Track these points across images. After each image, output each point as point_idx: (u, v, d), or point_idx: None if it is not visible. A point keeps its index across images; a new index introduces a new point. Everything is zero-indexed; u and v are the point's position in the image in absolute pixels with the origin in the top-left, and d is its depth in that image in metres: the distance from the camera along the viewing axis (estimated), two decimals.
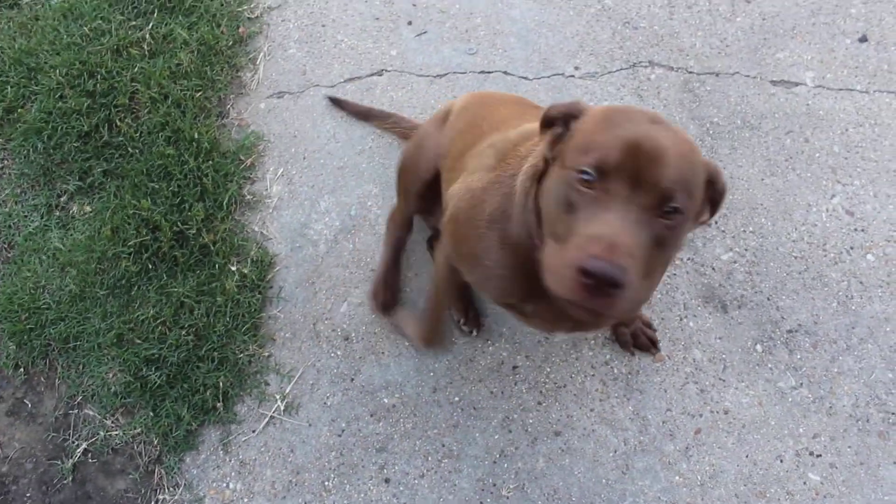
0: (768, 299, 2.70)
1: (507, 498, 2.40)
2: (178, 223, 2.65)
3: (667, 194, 1.42)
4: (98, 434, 2.46)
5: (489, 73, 3.04)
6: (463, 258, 1.98)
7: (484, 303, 2.66)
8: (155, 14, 3.00)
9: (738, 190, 2.86)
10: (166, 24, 2.96)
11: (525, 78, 3.03)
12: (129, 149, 2.75)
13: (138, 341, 2.52)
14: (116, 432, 2.46)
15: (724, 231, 2.78)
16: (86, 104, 2.78)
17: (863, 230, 2.82)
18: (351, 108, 2.90)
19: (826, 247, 2.79)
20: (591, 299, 1.38)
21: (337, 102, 2.90)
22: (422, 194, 2.47)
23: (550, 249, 1.50)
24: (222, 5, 3.06)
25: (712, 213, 1.61)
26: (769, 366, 2.61)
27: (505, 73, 3.04)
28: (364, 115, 2.88)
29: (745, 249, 2.76)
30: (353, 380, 2.54)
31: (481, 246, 1.87)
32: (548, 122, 1.64)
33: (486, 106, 2.34)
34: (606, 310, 1.39)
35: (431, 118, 2.56)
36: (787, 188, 2.88)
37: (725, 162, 2.91)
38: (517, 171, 1.81)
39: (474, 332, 2.58)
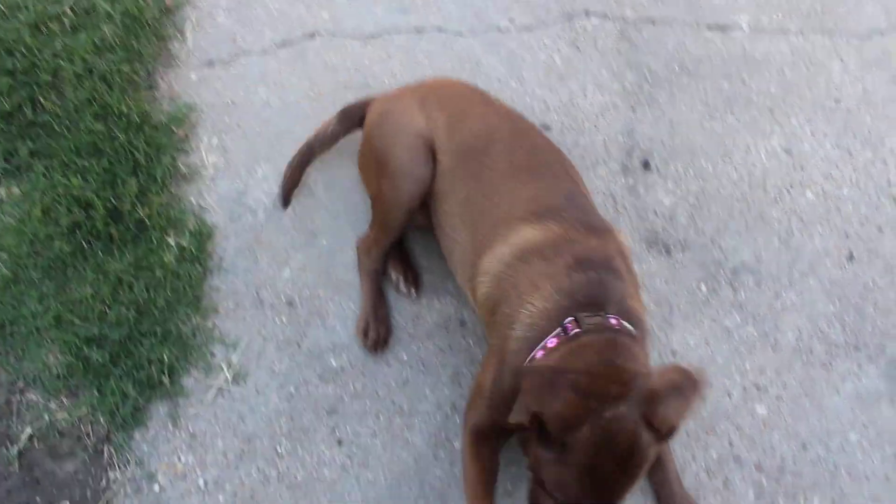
0: (711, 241, 2.72)
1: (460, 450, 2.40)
2: (112, 199, 2.59)
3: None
4: (43, 418, 2.41)
5: (423, 30, 3.01)
6: (486, 388, 2.12)
7: (424, 263, 2.64)
8: None
9: (679, 135, 2.87)
10: None
11: (459, 34, 3.01)
12: (56, 127, 2.68)
13: (77, 321, 2.47)
14: (62, 415, 2.41)
15: (665, 176, 2.79)
16: (6, 83, 2.70)
17: (801, 168, 2.85)
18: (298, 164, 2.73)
19: (766, 186, 2.82)
20: None
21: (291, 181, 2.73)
22: (406, 222, 2.47)
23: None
24: None
25: None
26: (714, 305, 2.63)
27: (439, 29, 3.02)
28: (308, 154, 2.72)
29: (687, 193, 2.78)
30: (299, 345, 2.52)
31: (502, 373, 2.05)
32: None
33: (483, 154, 2.30)
34: None
35: (395, 98, 2.51)
36: (727, 131, 2.90)
37: (665, 109, 2.91)
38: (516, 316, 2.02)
39: (413, 293, 2.56)
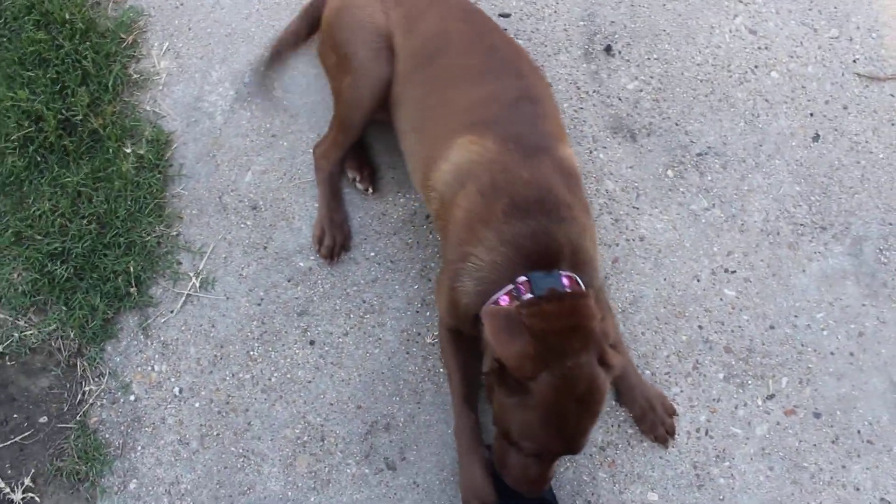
0: (676, 124, 2.69)
1: (432, 345, 2.42)
2: (63, 111, 2.52)
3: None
4: (12, 336, 2.40)
5: None
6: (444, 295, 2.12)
7: (387, 159, 2.60)
8: None
9: (640, 18, 2.80)
10: None
11: None
12: None
13: (38, 237, 2.43)
14: (31, 332, 2.40)
15: (628, 60, 2.74)
16: None
17: (766, 48, 2.81)
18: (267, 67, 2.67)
19: (731, 67, 2.78)
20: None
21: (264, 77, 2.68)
22: (366, 122, 2.43)
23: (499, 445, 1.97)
24: None
25: None
26: (681, 190, 2.63)
27: None
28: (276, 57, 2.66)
29: (651, 77, 2.73)
30: (266, 248, 2.50)
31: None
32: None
33: (437, 55, 2.25)
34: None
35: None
36: (690, 12, 2.83)
37: None
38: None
39: (370, 191, 2.53)
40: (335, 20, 2.41)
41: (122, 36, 2.67)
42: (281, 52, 2.60)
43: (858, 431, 2.43)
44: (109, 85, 2.58)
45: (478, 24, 2.36)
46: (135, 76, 2.64)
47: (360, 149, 2.55)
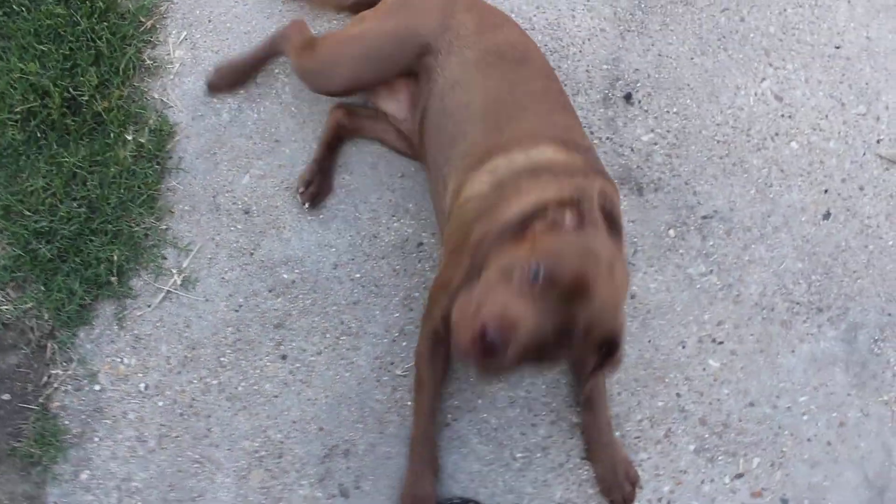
0: (686, 183, 2.63)
1: (403, 377, 2.39)
2: (70, 89, 2.50)
3: (575, 328, 1.64)
4: None
5: None
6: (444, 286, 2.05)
7: (387, 181, 2.56)
8: None
9: (666, 69, 2.74)
10: None
11: None
12: (14, 6, 2.55)
13: (27, 213, 2.42)
14: (6, 307, 2.39)
15: (647, 111, 2.68)
16: None
17: (790, 116, 2.74)
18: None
19: (750, 132, 2.71)
20: (473, 352, 1.62)
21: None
22: (359, 82, 2.42)
23: (465, 297, 1.71)
24: None
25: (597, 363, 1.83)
26: (680, 251, 2.57)
27: None
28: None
29: (667, 131, 2.67)
30: (252, 254, 2.48)
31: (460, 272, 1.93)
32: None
33: (513, 78, 2.22)
34: (481, 366, 1.67)
35: None
36: (717, 69, 2.77)
37: (655, 38, 2.77)
38: (511, 208, 1.89)
39: (306, 205, 2.48)
40: (395, 3, 2.40)
41: (142, 19, 2.64)
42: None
43: None
44: (121, 68, 2.56)
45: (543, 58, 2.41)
46: (148, 62, 2.62)
47: (326, 167, 2.51)
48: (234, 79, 2.59)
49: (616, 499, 2.31)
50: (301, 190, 2.48)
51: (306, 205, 2.48)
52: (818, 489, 2.41)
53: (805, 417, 2.46)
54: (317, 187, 2.48)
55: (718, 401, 2.45)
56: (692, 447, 2.41)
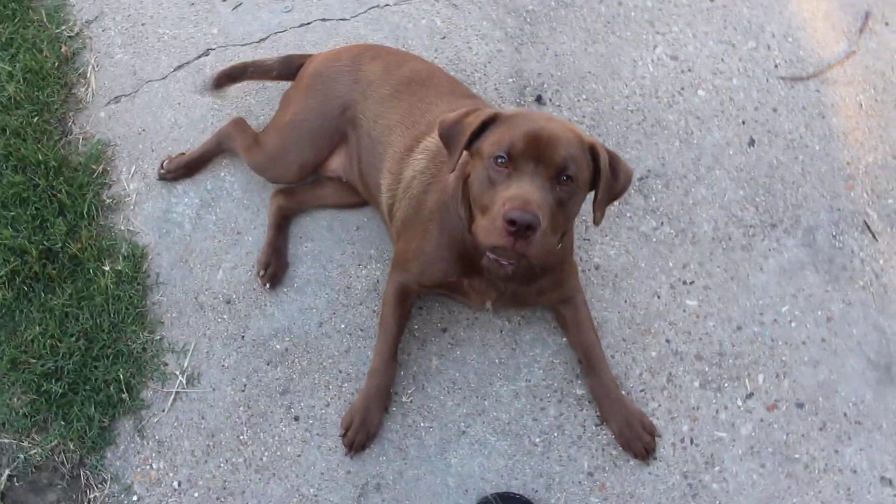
0: None
1: (410, 402, 2.50)
2: (44, 242, 2.72)
3: (561, 167, 1.97)
4: (18, 458, 2.53)
5: (308, 24, 3.13)
6: (412, 254, 2.38)
7: (344, 235, 2.75)
8: None
9: (565, 65, 2.96)
10: None
11: (343, 19, 3.12)
12: None
13: (33, 360, 2.59)
14: (35, 451, 2.53)
15: (559, 106, 2.89)
16: None
17: (689, 70, 2.94)
18: (228, 73, 2.89)
19: (658, 94, 2.91)
20: (514, 242, 1.90)
21: (219, 81, 2.90)
22: (303, 172, 2.69)
23: (480, 220, 2.02)
24: (39, 31, 3.13)
25: (597, 177, 2.10)
26: (628, 215, 2.72)
27: (323, 20, 3.13)
28: (240, 72, 2.88)
29: (584, 116, 2.87)
30: (243, 337, 2.63)
31: (426, 237, 2.33)
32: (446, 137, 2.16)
33: (423, 94, 2.52)
34: (527, 249, 1.92)
35: (332, 59, 2.66)
36: (611, 51, 2.99)
37: (548, 43, 3.01)
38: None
39: (267, 286, 2.68)
40: (310, 80, 2.65)
41: (93, 167, 2.89)
42: (246, 71, 2.83)
43: (845, 414, 2.44)
44: (85, 212, 2.79)
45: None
46: (108, 201, 2.85)
47: (279, 247, 2.72)
48: (181, 173, 2.86)
49: (638, 450, 2.38)
50: (261, 273, 2.68)
51: (267, 285, 2.68)
52: (827, 385, 2.47)
53: (793, 324, 2.55)
54: (274, 267, 2.69)
55: (707, 334, 2.55)
56: (696, 383, 2.49)
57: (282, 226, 2.76)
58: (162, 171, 2.85)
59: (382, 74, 2.57)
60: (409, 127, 2.47)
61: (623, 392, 2.45)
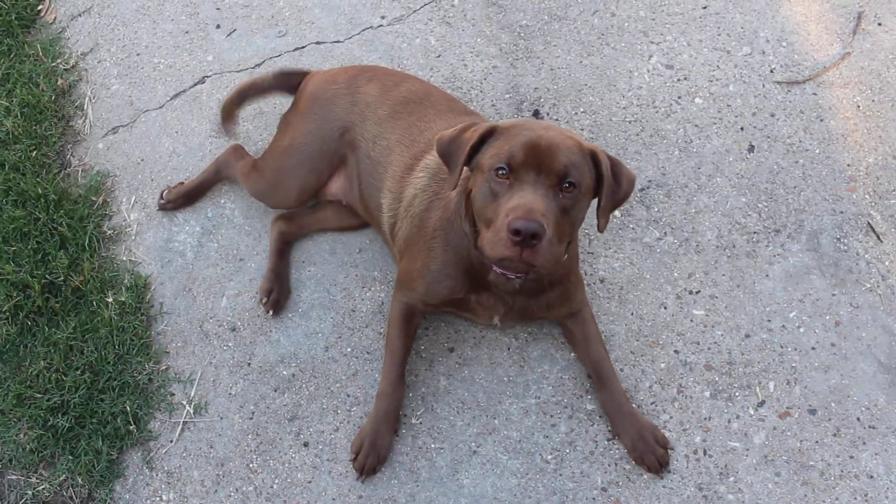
0: None
1: (420, 424, 2.48)
2: (46, 275, 2.71)
3: (562, 174, 1.98)
4: (26, 494, 2.51)
5: (303, 48, 3.13)
6: (417, 273, 2.37)
7: (349, 259, 2.74)
8: None
9: (561, 79, 2.96)
10: None
11: (338, 42, 3.13)
12: None
13: (38, 395, 2.58)
14: (43, 486, 2.51)
15: (557, 119, 2.89)
16: None
17: (685, 78, 2.94)
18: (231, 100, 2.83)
19: (656, 103, 2.91)
20: (520, 252, 1.91)
21: (228, 111, 2.83)
22: (303, 195, 2.69)
23: (485, 233, 2.02)
24: (35, 65, 3.14)
25: (599, 183, 2.10)
26: (631, 226, 2.71)
27: (317, 43, 3.14)
28: (241, 96, 2.81)
29: (581, 129, 2.87)
30: (249, 364, 2.62)
31: (431, 255, 2.33)
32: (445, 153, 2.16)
33: (421, 113, 2.53)
34: (534, 258, 1.92)
35: (328, 81, 2.64)
36: (606, 63, 2.99)
37: (543, 58, 3.01)
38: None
39: (270, 313, 2.67)
40: (307, 105, 2.65)
41: (93, 199, 2.89)
42: (246, 93, 2.79)
43: (858, 419, 2.42)
44: (86, 245, 2.79)
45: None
46: (108, 232, 2.85)
47: (281, 272, 2.72)
48: (181, 202, 2.86)
49: (651, 463, 2.36)
50: (264, 300, 2.67)
51: (270, 312, 2.67)
52: (839, 390, 2.45)
53: (802, 330, 2.54)
54: (277, 294, 2.68)
55: (715, 343, 2.53)
56: (707, 393, 2.47)
57: (283, 251, 2.75)
58: (162, 201, 2.84)
59: (379, 95, 2.57)
60: (408, 146, 2.47)
61: (634, 405, 2.43)
